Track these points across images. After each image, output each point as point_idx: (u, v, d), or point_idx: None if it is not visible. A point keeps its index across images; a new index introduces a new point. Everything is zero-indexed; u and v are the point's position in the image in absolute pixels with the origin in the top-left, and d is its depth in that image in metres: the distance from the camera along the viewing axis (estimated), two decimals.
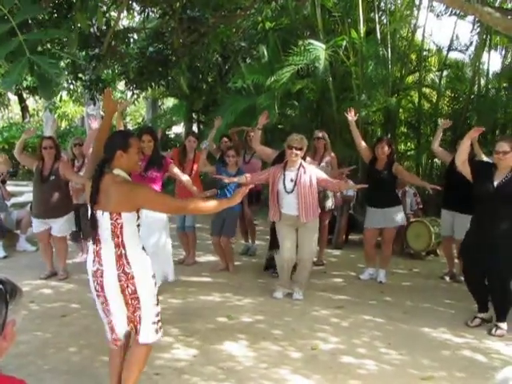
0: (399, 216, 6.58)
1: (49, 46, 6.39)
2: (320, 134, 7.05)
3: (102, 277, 3.11)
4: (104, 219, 3.08)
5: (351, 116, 6.44)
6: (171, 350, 4.32)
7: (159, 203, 3.27)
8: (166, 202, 3.28)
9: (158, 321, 3.26)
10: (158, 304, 3.27)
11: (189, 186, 5.91)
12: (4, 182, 7.81)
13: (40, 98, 18.31)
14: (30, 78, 13.67)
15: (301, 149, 5.63)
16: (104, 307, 3.20)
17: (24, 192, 9.47)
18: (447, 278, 6.85)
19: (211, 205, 3.38)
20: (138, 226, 3.22)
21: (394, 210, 6.55)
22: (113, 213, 3.06)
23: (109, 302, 3.15)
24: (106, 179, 3.08)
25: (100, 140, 3.34)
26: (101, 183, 3.07)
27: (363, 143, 6.67)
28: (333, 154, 7.13)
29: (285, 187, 5.67)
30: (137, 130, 9.72)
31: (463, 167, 5.09)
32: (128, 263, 3.09)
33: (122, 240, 3.10)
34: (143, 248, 3.25)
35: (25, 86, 17.12)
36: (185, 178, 5.97)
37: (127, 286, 3.08)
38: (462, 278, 6.59)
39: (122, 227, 3.09)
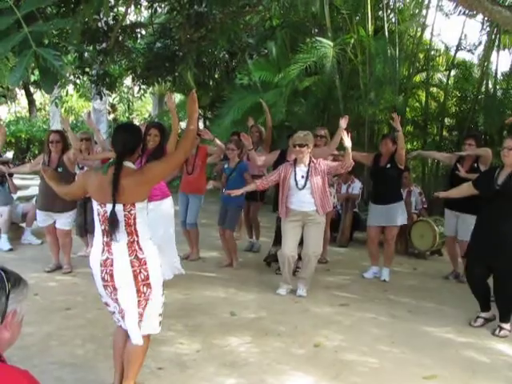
0: (401, 214, 6.56)
1: (56, 39, 6.41)
2: (322, 132, 6.88)
3: (111, 266, 3.10)
4: (117, 212, 3.07)
5: (343, 122, 5.82)
6: (174, 344, 4.33)
7: (167, 166, 3.27)
8: (170, 162, 3.29)
9: (161, 313, 3.29)
10: (162, 295, 3.29)
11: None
12: (11, 175, 7.83)
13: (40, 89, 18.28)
14: (37, 73, 13.70)
15: (306, 145, 5.64)
16: (112, 297, 3.17)
17: (30, 185, 9.47)
18: (451, 278, 6.83)
19: (189, 132, 3.25)
20: (147, 214, 3.25)
21: (396, 206, 6.53)
22: (127, 204, 3.08)
23: (118, 291, 3.12)
24: (122, 173, 3.10)
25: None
26: (121, 178, 3.06)
27: (355, 153, 6.54)
28: (335, 152, 7.00)
29: (296, 184, 5.69)
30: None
31: (472, 191, 5.17)
32: (140, 249, 3.11)
33: (135, 228, 3.12)
34: (150, 238, 3.27)
35: (32, 80, 17.16)
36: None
37: (140, 272, 3.09)
38: None
39: (135, 218, 3.11)
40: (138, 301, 3.12)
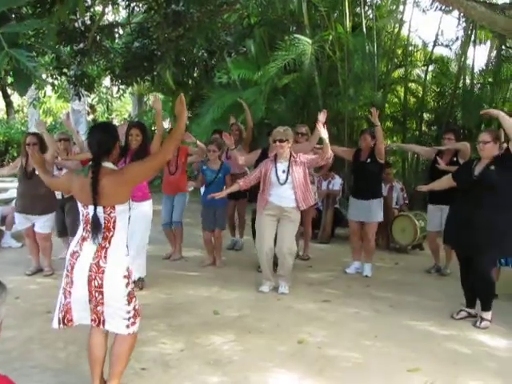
0: (379, 211, 6.60)
1: (32, 40, 6.33)
2: (303, 129, 6.86)
3: (76, 259, 3.14)
4: (98, 215, 3.08)
5: (322, 116, 5.85)
6: (158, 344, 4.30)
7: (149, 167, 3.26)
8: (154, 161, 3.26)
9: (130, 317, 3.22)
10: (129, 304, 3.20)
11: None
12: None
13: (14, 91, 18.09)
14: None
15: (286, 140, 5.65)
16: (67, 288, 3.20)
17: (9, 188, 9.37)
18: (433, 272, 6.89)
19: (176, 134, 3.26)
20: (129, 218, 3.25)
21: (375, 202, 6.57)
22: (107, 206, 3.08)
23: (73, 285, 3.15)
24: (101, 174, 3.08)
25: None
26: (100, 180, 3.05)
27: (335, 147, 6.58)
28: (317, 146, 6.99)
29: (278, 179, 5.70)
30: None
31: (452, 183, 5.25)
32: (105, 258, 3.10)
33: (111, 235, 3.12)
34: (126, 246, 3.25)
35: (9, 82, 16.98)
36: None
37: (94, 278, 3.08)
38: (448, 271, 6.67)
39: (115, 221, 3.12)
40: (90, 299, 3.14)
